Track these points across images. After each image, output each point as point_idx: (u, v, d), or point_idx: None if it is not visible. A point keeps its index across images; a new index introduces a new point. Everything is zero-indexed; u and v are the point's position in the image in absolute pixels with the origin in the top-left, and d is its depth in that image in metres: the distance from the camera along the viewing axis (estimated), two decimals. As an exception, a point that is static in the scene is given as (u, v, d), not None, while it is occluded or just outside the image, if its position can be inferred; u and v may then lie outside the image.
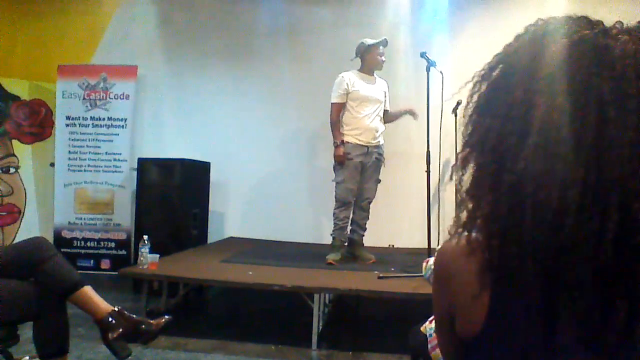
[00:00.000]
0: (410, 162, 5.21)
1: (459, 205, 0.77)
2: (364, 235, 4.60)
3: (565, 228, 0.63)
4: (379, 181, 4.53)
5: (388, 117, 4.58)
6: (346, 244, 4.53)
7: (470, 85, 0.79)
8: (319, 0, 5.98)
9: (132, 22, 6.09)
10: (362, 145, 4.34)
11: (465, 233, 0.76)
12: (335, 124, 4.39)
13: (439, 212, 5.14)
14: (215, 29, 6.04)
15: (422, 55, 4.18)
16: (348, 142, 4.34)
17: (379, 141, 4.41)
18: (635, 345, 0.64)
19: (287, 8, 5.96)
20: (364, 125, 4.34)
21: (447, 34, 5.58)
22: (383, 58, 4.44)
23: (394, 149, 5.05)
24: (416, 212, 5.08)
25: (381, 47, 4.43)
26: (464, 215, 0.76)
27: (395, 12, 5.72)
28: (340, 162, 4.33)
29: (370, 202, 4.53)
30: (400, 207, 5.51)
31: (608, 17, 0.72)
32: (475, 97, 0.77)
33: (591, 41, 0.67)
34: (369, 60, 4.44)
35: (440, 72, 4.12)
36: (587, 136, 0.62)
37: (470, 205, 0.75)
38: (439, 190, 5.20)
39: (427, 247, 4.02)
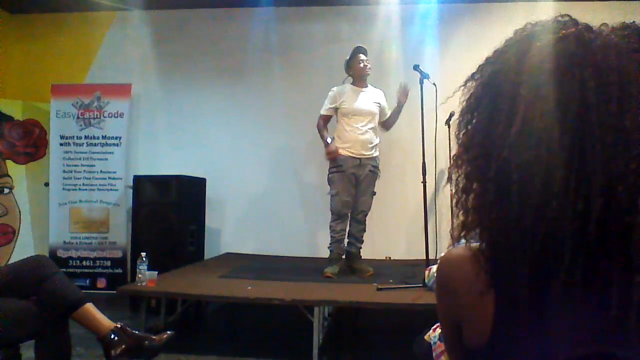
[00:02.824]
0: (406, 174, 5.24)
1: (456, 204, 0.78)
2: (361, 248, 4.59)
3: (550, 212, 0.64)
4: (374, 193, 4.53)
5: (389, 120, 4.59)
6: (344, 256, 4.53)
7: (460, 93, 0.81)
8: (310, 16, 6.04)
9: (125, 41, 6.12)
10: (354, 157, 4.36)
11: (464, 232, 0.77)
12: (322, 129, 4.47)
13: (435, 222, 5.15)
14: (208, 46, 6.09)
15: (415, 67, 4.22)
16: (341, 155, 4.36)
17: (372, 153, 4.42)
18: (628, 332, 0.64)
19: (278, 25, 6.01)
20: (354, 138, 4.36)
21: (438, 46, 5.65)
22: (365, 64, 4.47)
23: (390, 160, 5.08)
24: (413, 223, 5.10)
25: (361, 55, 4.48)
26: (462, 213, 0.77)
27: (386, 26, 5.79)
28: (332, 158, 4.35)
29: (366, 215, 4.53)
30: (396, 219, 5.52)
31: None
32: (466, 98, 0.79)
33: (574, 35, 0.70)
34: (354, 72, 4.50)
35: (434, 84, 4.16)
36: (570, 123, 0.64)
37: (464, 202, 0.76)
38: (435, 201, 5.22)
39: (424, 258, 4.03)
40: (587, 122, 0.63)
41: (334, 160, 4.36)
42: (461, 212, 0.77)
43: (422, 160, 4.11)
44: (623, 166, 0.62)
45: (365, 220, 4.54)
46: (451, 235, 0.80)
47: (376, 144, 4.48)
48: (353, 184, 4.40)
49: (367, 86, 4.55)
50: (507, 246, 0.70)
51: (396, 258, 5.40)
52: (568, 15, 0.75)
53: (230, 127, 6.00)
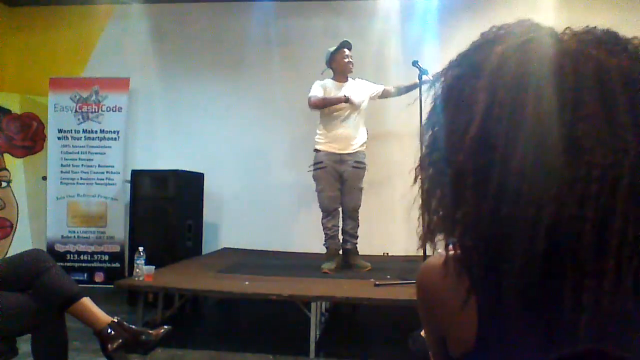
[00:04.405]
0: (404, 170, 5.22)
1: (421, 206, 0.78)
2: (357, 243, 4.57)
3: (503, 218, 0.64)
4: (362, 189, 4.50)
5: (396, 91, 4.60)
6: (340, 252, 4.53)
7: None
8: (309, 11, 6.03)
9: (123, 35, 6.11)
10: (335, 153, 4.35)
11: (429, 236, 0.77)
12: (323, 100, 4.34)
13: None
14: (207, 40, 6.07)
15: (414, 63, 4.21)
16: (321, 151, 4.38)
17: (354, 149, 4.39)
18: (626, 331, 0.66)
19: (278, 19, 6.00)
20: (335, 134, 4.36)
21: (437, 42, 5.63)
22: (349, 60, 4.44)
23: (388, 156, 5.08)
24: (410, 219, 5.09)
25: (346, 50, 4.45)
26: (426, 217, 0.77)
27: (385, 21, 5.78)
28: (346, 100, 4.26)
29: (356, 210, 4.51)
30: (394, 215, 5.52)
31: (595, 24, 0.75)
32: (432, 101, 0.79)
33: (534, 42, 0.70)
34: (337, 66, 4.48)
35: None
36: (525, 129, 0.64)
37: (429, 204, 0.77)
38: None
39: (422, 254, 4.03)
40: (541, 128, 0.64)
41: (315, 158, 4.40)
42: (426, 214, 0.77)
43: (420, 156, 4.10)
44: (573, 173, 0.62)
45: (357, 217, 4.51)
46: (418, 236, 0.80)
47: (360, 139, 4.44)
48: (337, 179, 4.39)
49: (347, 80, 4.51)
50: (467, 248, 0.71)
51: (394, 254, 5.40)
52: (529, 19, 0.76)
53: (228, 122, 5.99)
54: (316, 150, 4.43)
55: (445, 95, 0.77)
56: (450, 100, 0.75)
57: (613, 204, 0.61)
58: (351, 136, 4.37)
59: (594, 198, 0.61)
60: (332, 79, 4.52)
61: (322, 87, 4.44)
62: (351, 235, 4.52)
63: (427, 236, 0.77)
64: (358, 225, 4.53)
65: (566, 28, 0.73)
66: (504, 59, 0.69)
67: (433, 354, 0.88)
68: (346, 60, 4.44)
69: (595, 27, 0.72)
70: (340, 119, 4.37)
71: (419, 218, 0.79)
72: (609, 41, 0.69)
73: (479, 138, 0.67)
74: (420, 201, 0.79)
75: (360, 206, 4.50)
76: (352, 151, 4.37)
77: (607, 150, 0.62)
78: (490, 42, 0.74)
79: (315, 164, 4.40)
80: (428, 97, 0.83)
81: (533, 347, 0.69)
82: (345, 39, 4.48)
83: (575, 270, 0.64)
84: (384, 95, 4.62)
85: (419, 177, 0.80)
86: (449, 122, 0.74)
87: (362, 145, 4.45)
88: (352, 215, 4.48)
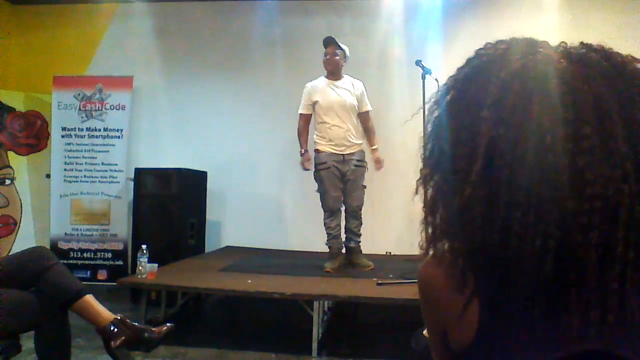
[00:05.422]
0: (407, 169, 5.21)
1: (423, 220, 0.80)
2: (360, 242, 4.56)
3: (511, 247, 0.66)
4: (365, 187, 4.49)
5: (366, 128, 4.54)
6: (343, 251, 4.53)
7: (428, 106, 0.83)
8: (313, 10, 6.03)
9: (127, 33, 6.12)
10: (336, 153, 4.34)
11: (433, 248, 0.79)
12: (301, 134, 4.49)
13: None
14: (210, 39, 6.08)
15: (417, 63, 4.21)
16: (323, 151, 4.36)
17: (354, 148, 4.38)
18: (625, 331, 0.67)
19: (281, 18, 6.00)
20: (332, 134, 4.35)
21: (441, 41, 5.63)
22: (327, 57, 4.40)
23: (391, 156, 5.07)
24: (413, 218, 5.09)
25: (327, 49, 4.42)
26: (429, 230, 0.79)
27: (389, 21, 5.77)
28: (305, 168, 4.44)
29: (359, 209, 4.47)
30: (397, 214, 5.52)
31: (599, 24, 0.75)
32: (431, 120, 0.81)
33: (532, 70, 0.70)
34: (324, 65, 4.48)
35: (436, 79, 4.15)
36: (529, 163, 0.66)
37: (432, 222, 0.79)
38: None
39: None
40: (543, 161, 0.65)
41: (317, 158, 4.39)
42: (429, 227, 0.79)
43: (423, 157, 4.10)
44: (576, 206, 0.64)
45: (360, 215, 4.49)
46: (419, 246, 0.82)
47: (357, 137, 4.43)
48: (340, 179, 4.38)
49: (341, 78, 4.47)
50: (469, 269, 0.73)
51: (396, 253, 5.40)
52: (523, 37, 0.77)
53: (231, 121, 6.00)
54: (317, 151, 4.42)
55: (445, 119, 0.78)
56: (451, 125, 0.76)
57: (615, 230, 0.64)
58: (347, 136, 4.35)
59: (596, 227, 0.64)
60: (325, 76, 4.50)
61: (310, 93, 4.44)
62: (355, 233, 4.50)
63: (429, 247, 0.80)
64: (361, 224, 4.52)
65: (560, 44, 0.75)
66: (504, 90, 0.70)
67: (434, 349, 0.89)
68: (325, 58, 4.42)
69: (591, 45, 0.74)
70: (331, 121, 4.35)
71: (421, 232, 0.80)
72: (606, 67, 0.70)
73: (484, 171, 0.69)
74: (422, 211, 0.81)
75: (363, 204, 4.49)
76: (352, 151, 4.38)
77: (607, 181, 0.64)
78: (487, 66, 0.75)
79: (317, 164, 4.39)
80: (421, 107, 0.84)
81: (533, 347, 0.70)
82: (327, 36, 4.45)
83: (580, 287, 0.66)
84: (361, 117, 4.52)
85: (421, 190, 0.82)
86: (452, 149, 0.75)
87: (360, 144, 4.45)
88: (355, 214, 4.47)
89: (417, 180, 0.82)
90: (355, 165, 4.38)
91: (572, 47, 0.74)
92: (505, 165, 0.67)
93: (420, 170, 0.82)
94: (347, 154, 4.35)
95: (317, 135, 4.45)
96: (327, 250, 4.48)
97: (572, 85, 0.68)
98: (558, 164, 0.65)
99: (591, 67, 0.70)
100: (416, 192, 0.82)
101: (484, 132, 0.69)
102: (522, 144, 0.67)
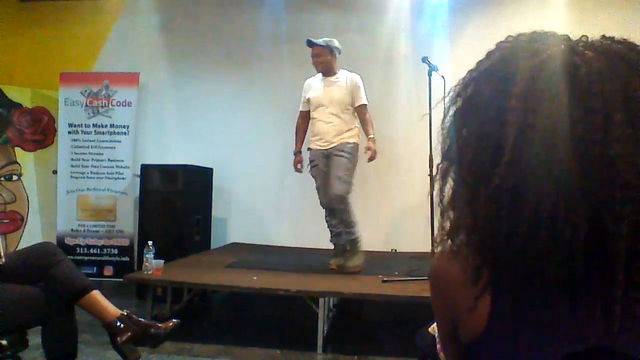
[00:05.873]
0: (413, 166, 5.22)
1: (441, 214, 0.80)
2: (349, 239, 4.24)
3: (539, 239, 0.66)
4: (341, 178, 4.11)
5: (362, 121, 4.33)
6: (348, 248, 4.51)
7: (447, 99, 0.82)
8: (319, 6, 6.01)
9: (133, 30, 6.13)
10: (322, 150, 4.28)
11: (449, 242, 0.79)
12: (297, 131, 4.48)
13: (442, 216, 5.13)
14: (216, 35, 6.08)
15: (424, 60, 4.20)
16: (312, 149, 4.34)
17: (339, 141, 4.21)
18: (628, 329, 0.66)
19: (288, 14, 5.99)
20: (319, 129, 4.29)
21: (447, 38, 5.61)
22: (314, 59, 4.33)
23: (397, 153, 5.07)
24: (419, 216, 5.09)
25: (312, 49, 4.34)
26: (447, 224, 0.79)
27: (395, 18, 5.76)
28: (296, 170, 4.42)
29: (334, 202, 4.14)
30: (403, 212, 5.51)
31: (606, 20, 0.75)
32: (451, 112, 0.80)
33: (559, 59, 0.70)
34: None
35: (442, 76, 4.14)
36: (558, 152, 0.65)
37: (452, 215, 0.78)
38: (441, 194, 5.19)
39: (430, 251, 4.03)
40: (574, 151, 0.65)
41: (309, 156, 4.35)
42: (447, 221, 0.79)
43: (429, 153, 4.10)
44: (608, 196, 0.64)
45: (340, 209, 4.17)
46: (435, 241, 0.82)
47: (343, 132, 4.23)
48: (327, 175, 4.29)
49: (335, 74, 4.35)
50: (495, 264, 0.72)
51: (402, 250, 5.40)
52: (544, 30, 0.76)
53: (238, 117, 6.00)
54: (309, 149, 4.39)
55: (468, 111, 0.77)
56: (474, 117, 0.75)
57: None
58: (331, 131, 4.23)
59: (627, 217, 0.63)
60: (321, 72, 4.41)
61: (305, 90, 4.42)
62: (332, 232, 4.32)
63: (444, 242, 0.80)
64: (346, 211, 4.18)
65: (582, 36, 0.74)
66: (532, 80, 0.69)
67: (443, 340, 0.89)
68: (312, 60, 4.35)
69: (613, 37, 0.73)
70: (319, 117, 4.30)
71: (440, 228, 0.80)
72: (632, 57, 0.69)
73: (513, 162, 0.68)
74: (439, 206, 0.81)
75: (338, 196, 4.11)
76: (336, 143, 4.22)
77: (637, 170, 0.64)
78: (511, 57, 0.74)
79: (309, 163, 4.38)
80: (440, 101, 0.83)
81: (543, 342, 0.70)
82: (306, 39, 4.35)
83: (605, 280, 0.65)
84: (357, 112, 4.31)
85: (437, 184, 0.81)
86: (476, 142, 0.74)
87: (349, 137, 4.23)
88: (330, 210, 4.26)
89: (434, 175, 0.82)
90: (335, 155, 4.20)
91: (596, 40, 0.73)
92: (535, 156, 0.66)
93: (437, 165, 0.81)
94: (329, 149, 4.24)
95: (310, 133, 4.41)
96: (332, 247, 4.48)
97: (600, 74, 0.67)
98: (589, 153, 0.64)
99: (617, 57, 0.69)
100: (431, 187, 0.83)
101: (513, 122, 0.69)
102: (552, 134, 0.66)
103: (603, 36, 0.74)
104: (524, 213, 0.66)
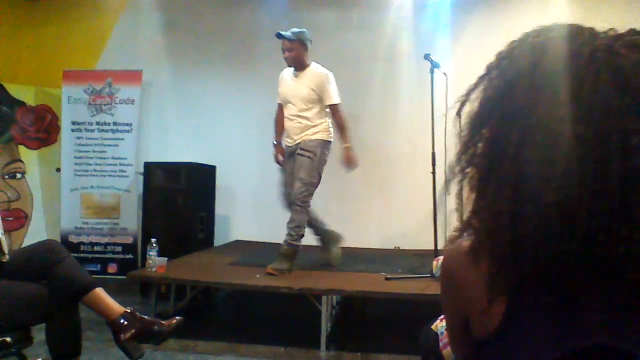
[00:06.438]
0: (415, 164, 5.22)
1: (457, 210, 0.80)
2: (290, 244, 4.07)
3: (573, 230, 0.65)
4: (302, 179, 4.00)
5: (334, 123, 4.17)
6: (341, 247, 4.48)
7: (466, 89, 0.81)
8: (321, 3, 6.01)
9: (136, 27, 6.13)
10: (289, 147, 4.23)
11: (465, 235, 0.78)
12: (275, 123, 4.39)
13: (445, 213, 5.13)
14: (219, 33, 6.08)
15: (426, 57, 4.18)
16: (285, 146, 4.29)
17: (301, 137, 4.09)
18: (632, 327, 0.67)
19: (290, 12, 5.98)
20: (286, 127, 4.23)
21: (449, 35, 5.59)
22: (285, 54, 4.17)
23: (399, 150, 5.06)
24: (422, 213, 5.09)
25: (282, 43, 4.17)
26: (465, 218, 0.78)
27: (397, 15, 5.74)
28: (276, 161, 4.31)
29: (296, 201, 4.03)
30: (405, 209, 5.51)
31: (609, 18, 0.74)
32: (475, 102, 0.79)
33: (593, 51, 0.69)
34: None
35: (444, 73, 4.13)
36: (588, 147, 0.65)
37: (473, 206, 0.77)
38: (445, 192, 5.19)
39: (433, 248, 4.03)
40: (604, 146, 0.64)
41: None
42: (465, 217, 0.78)
43: (431, 151, 4.09)
44: (628, 199, 0.64)
45: (296, 210, 4.05)
46: (453, 234, 0.82)
47: (308, 128, 4.10)
48: (291, 173, 4.22)
49: (305, 68, 4.17)
50: (512, 258, 0.71)
51: (405, 248, 5.39)
52: (579, 25, 0.75)
53: (240, 115, 6.00)
54: (277, 143, 4.36)
55: (494, 100, 0.76)
56: (499, 106, 0.74)
57: None
58: (295, 128, 4.14)
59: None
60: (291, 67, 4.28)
61: (279, 82, 4.32)
62: (287, 233, 4.10)
63: (461, 235, 0.79)
64: (292, 219, 4.08)
65: (609, 30, 0.73)
66: (563, 70, 0.69)
67: (452, 335, 0.89)
68: (283, 54, 4.18)
69: (637, 30, 0.72)
70: (286, 113, 4.22)
71: (460, 221, 0.79)
72: None
73: (539, 153, 0.68)
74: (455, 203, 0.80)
75: (297, 197, 4.02)
76: (299, 141, 4.11)
77: None
78: (540, 47, 0.73)
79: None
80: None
81: (550, 338, 0.70)
82: (276, 32, 4.15)
83: (607, 279, 0.66)
84: (331, 112, 4.14)
85: (456, 177, 0.80)
86: (501, 132, 0.73)
87: (312, 134, 4.08)
88: (293, 208, 4.09)
89: (452, 173, 0.81)
90: (298, 154, 4.08)
91: (624, 33, 0.72)
92: (564, 149, 0.66)
93: (451, 165, 0.81)
94: (294, 146, 4.17)
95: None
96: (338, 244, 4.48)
97: (633, 69, 0.67)
98: (624, 146, 0.64)
99: None
100: (446, 186, 0.81)
101: (541, 113, 0.68)
102: (585, 129, 0.66)
103: (631, 29, 0.72)
104: (549, 204, 0.66)
